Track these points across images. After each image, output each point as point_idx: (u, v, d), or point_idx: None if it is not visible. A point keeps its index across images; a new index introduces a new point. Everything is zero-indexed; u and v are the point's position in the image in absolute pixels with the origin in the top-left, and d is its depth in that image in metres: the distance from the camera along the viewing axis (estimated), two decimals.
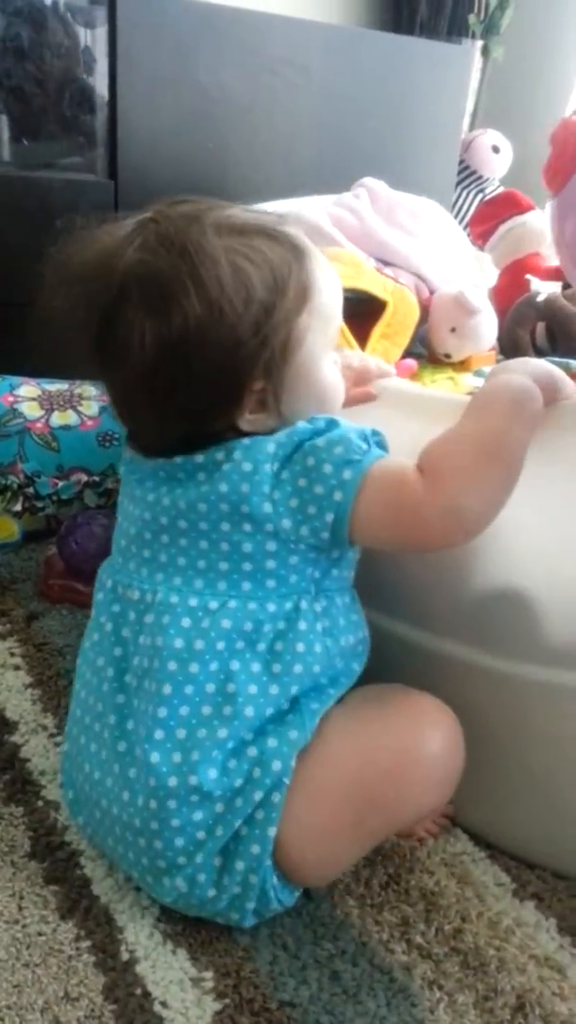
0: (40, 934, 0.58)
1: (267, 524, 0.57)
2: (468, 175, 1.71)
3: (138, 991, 0.55)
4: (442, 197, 1.62)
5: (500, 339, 1.02)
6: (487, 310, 0.97)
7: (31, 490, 1.07)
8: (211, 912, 0.58)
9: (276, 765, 0.56)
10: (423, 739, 0.59)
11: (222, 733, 0.56)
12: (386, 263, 0.98)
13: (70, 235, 0.59)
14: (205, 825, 0.55)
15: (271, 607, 0.58)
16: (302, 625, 0.58)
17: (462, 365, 1.00)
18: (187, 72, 1.24)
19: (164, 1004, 0.55)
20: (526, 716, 0.64)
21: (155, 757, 0.56)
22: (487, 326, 0.97)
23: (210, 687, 0.57)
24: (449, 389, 0.95)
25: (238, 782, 0.55)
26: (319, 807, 0.57)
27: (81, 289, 0.58)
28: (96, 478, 1.10)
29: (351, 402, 0.70)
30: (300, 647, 0.58)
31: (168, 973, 0.57)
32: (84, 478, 1.10)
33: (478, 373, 0.97)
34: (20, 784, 0.71)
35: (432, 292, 0.99)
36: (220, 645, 0.57)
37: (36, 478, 1.08)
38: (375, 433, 0.59)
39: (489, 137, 1.70)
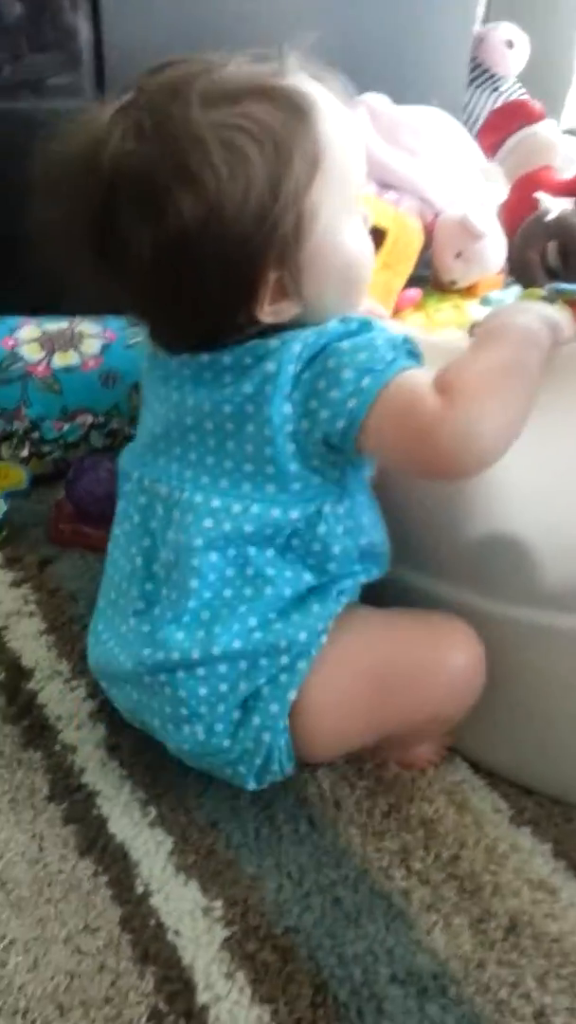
0: (60, 872, 0.62)
1: (287, 425, 0.56)
2: (481, 74, 1.61)
3: (152, 921, 0.59)
4: (453, 99, 1.53)
5: (509, 261, 0.99)
6: (494, 232, 0.94)
7: (36, 435, 1.08)
8: (222, 762, 0.61)
9: (302, 635, 0.58)
10: (450, 651, 0.62)
11: (243, 609, 0.59)
12: (387, 186, 0.94)
13: (58, 128, 0.54)
14: (229, 679, 0.59)
15: (294, 514, 0.58)
16: (322, 528, 0.59)
17: (468, 291, 0.97)
18: None
19: (177, 933, 0.59)
20: (522, 655, 0.66)
21: (180, 635, 0.59)
22: (494, 249, 0.94)
23: (230, 571, 0.59)
24: (454, 318, 0.93)
25: (263, 647, 0.58)
26: (345, 683, 0.60)
27: (70, 192, 0.54)
28: (101, 419, 1.10)
29: None
30: (317, 547, 0.60)
31: (180, 904, 0.60)
32: (89, 419, 1.10)
33: (484, 300, 0.94)
34: (38, 730, 0.74)
35: (437, 215, 0.96)
36: (242, 545, 0.59)
37: (41, 422, 1.08)
38: (407, 341, 0.57)
39: (503, 31, 1.59)
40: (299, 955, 0.57)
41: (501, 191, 1.08)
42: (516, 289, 0.96)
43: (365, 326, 0.56)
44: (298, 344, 0.55)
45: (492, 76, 1.62)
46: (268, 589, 0.59)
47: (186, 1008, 0.54)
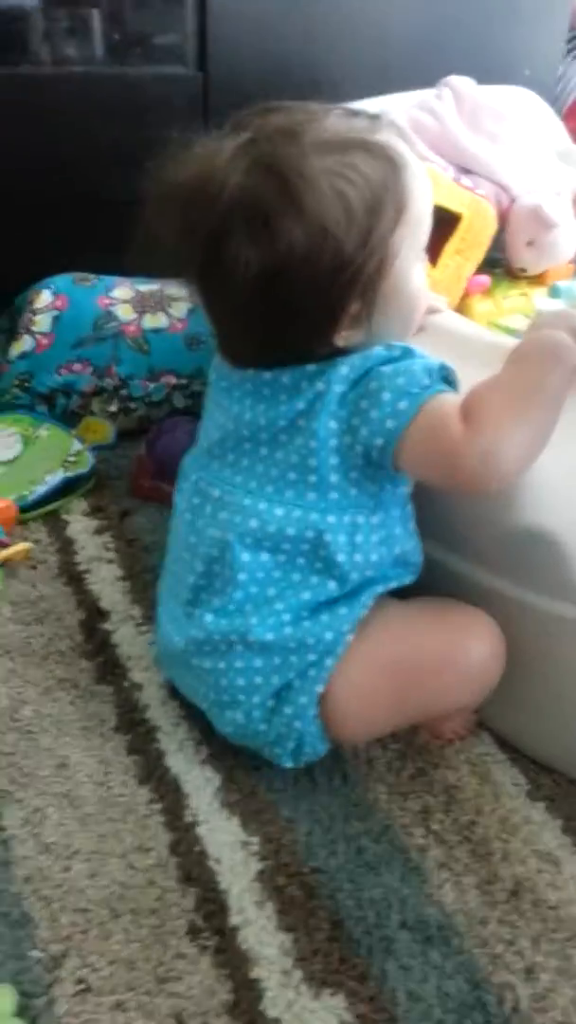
0: (121, 795, 0.71)
1: (331, 440, 0.63)
2: None
3: (197, 848, 0.68)
4: (546, 71, 1.50)
5: None
6: (567, 222, 0.94)
7: (125, 392, 1.16)
8: (261, 743, 0.69)
9: (328, 635, 0.65)
10: (470, 643, 0.68)
11: (279, 606, 0.66)
12: (466, 171, 0.96)
13: (168, 152, 0.60)
14: (263, 672, 0.66)
15: (331, 519, 0.65)
16: (359, 538, 0.65)
17: (538, 279, 0.98)
18: None
19: (217, 861, 0.67)
20: (551, 643, 0.70)
21: (223, 621, 0.66)
22: (566, 239, 0.95)
23: (275, 571, 0.66)
24: (521, 305, 0.95)
25: (291, 644, 0.65)
26: (368, 674, 0.66)
27: (182, 216, 0.60)
28: (184, 380, 1.17)
29: None
30: (358, 557, 0.65)
31: (222, 836, 0.69)
32: (173, 380, 1.17)
33: (553, 290, 0.95)
34: (111, 667, 0.83)
35: (512, 201, 0.97)
36: (286, 546, 0.65)
37: (130, 380, 1.15)
38: (443, 368, 0.63)
39: None
40: (321, 893, 0.65)
41: None
42: None
43: (406, 353, 0.62)
44: (345, 367, 0.62)
45: None
46: (306, 594, 0.65)
47: (219, 927, 0.63)
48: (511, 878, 0.67)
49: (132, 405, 1.16)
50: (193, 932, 0.62)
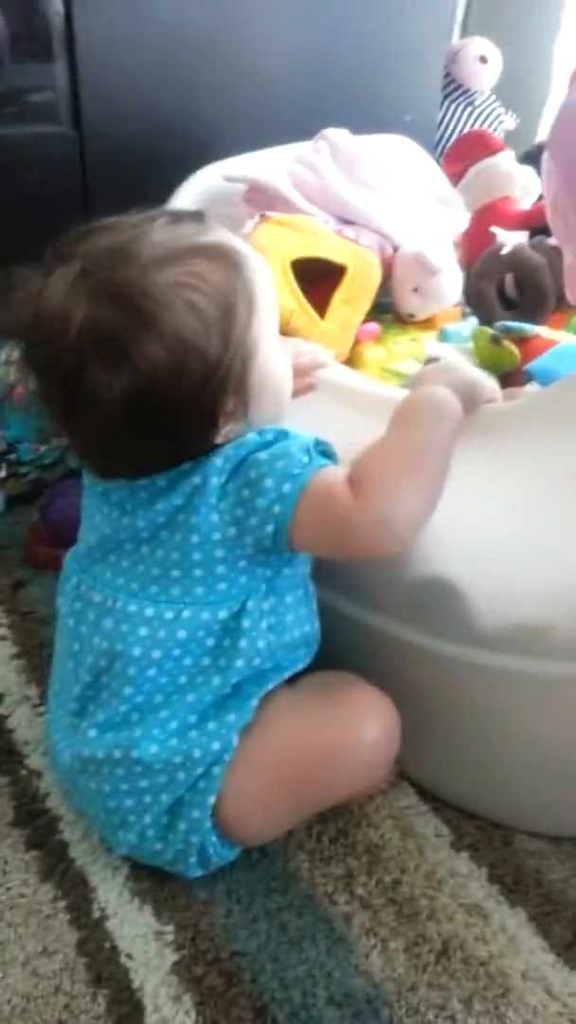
0: (22, 896, 0.66)
1: (214, 533, 0.60)
2: (455, 88, 1.62)
3: (107, 945, 0.63)
4: (427, 114, 1.56)
5: (466, 292, 1.02)
6: (450, 268, 0.96)
7: (13, 456, 1.11)
8: (160, 861, 0.65)
9: (215, 745, 0.62)
10: (360, 727, 0.64)
11: (164, 714, 0.62)
12: (347, 222, 0.97)
13: (6, 289, 0.58)
14: (151, 791, 0.62)
15: (222, 613, 0.62)
16: (246, 623, 0.63)
17: (427, 323, 1.00)
18: (147, 8, 1.19)
19: (129, 956, 0.62)
20: (459, 688, 0.69)
21: (108, 737, 0.63)
22: (450, 284, 0.97)
23: (163, 680, 0.63)
24: (412, 350, 0.96)
25: (177, 759, 0.61)
26: (258, 779, 0.63)
27: (29, 359, 0.58)
28: None
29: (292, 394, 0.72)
30: (243, 643, 0.63)
31: (134, 928, 0.64)
32: (65, 441, 1.13)
33: (442, 333, 0.97)
34: (5, 754, 0.78)
35: (396, 249, 0.98)
36: (176, 651, 0.62)
37: (17, 444, 1.11)
38: (319, 443, 0.62)
39: (476, 47, 1.60)
40: (243, 979, 0.61)
41: (463, 219, 1.10)
42: (473, 321, 0.99)
43: (280, 435, 0.61)
44: (220, 458, 0.60)
45: (466, 91, 1.64)
46: (191, 695, 0.62)
47: None
48: (439, 937, 0.64)
49: (22, 469, 1.12)
50: None
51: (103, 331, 0.54)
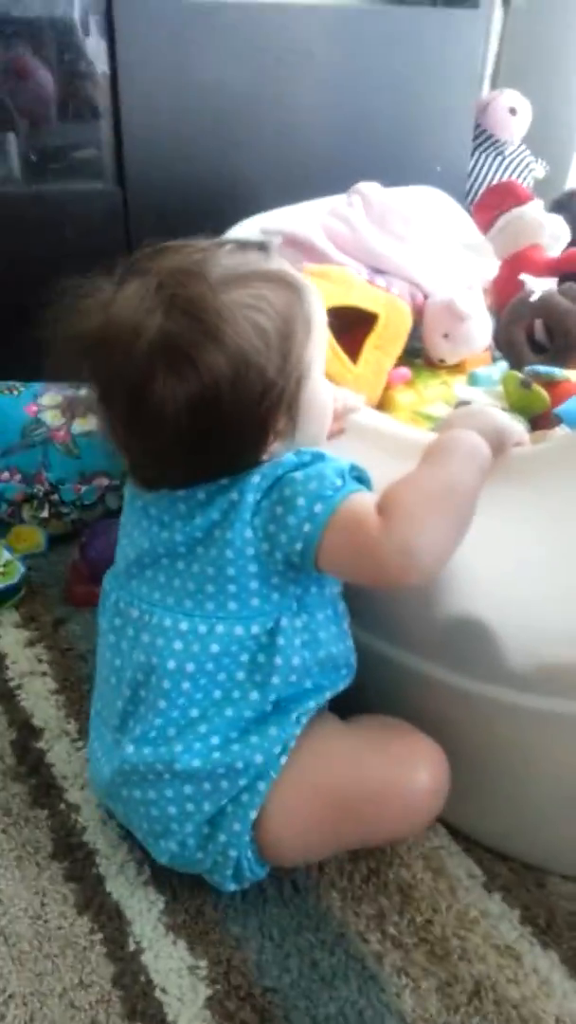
0: (59, 928, 0.68)
1: (248, 548, 0.62)
2: (486, 139, 1.67)
3: (142, 978, 0.64)
4: (457, 166, 1.61)
5: (496, 338, 1.04)
6: (479, 314, 0.99)
7: (56, 497, 1.15)
8: (200, 870, 0.67)
9: (258, 758, 0.63)
10: (413, 774, 0.65)
11: (203, 728, 0.64)
12: (379, 271, 1.00)
13: (68, 296, 0.60)
14: (195, 799, 0.64)
15: (255, 628, 0.64)
16: (281, 640, 0.64)
17: (457, 368, 1.02)
18: (187, 71, 1.25)
19: (164, 990, 0.63)
20: (493, 728, 0.70)
21: (146, 751, 0.64)
22: (479, 330, 0.99)
23: (199, 696, 0.65)
24: (442, 393, 0.98)
25: (220, 770, 0.63)
26: (304, 803, 0.64)
27: (94, 367, 0.61)
28: (116, 482, 1.16)
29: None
30: (278, 660, 0.64)
31: (168, 962, 0.65)
32: (105, 482, 1.17)
33: (471, 377, 0.99)
34: (45, 788, 0.80)
35: (426, 296, 1.01)
36: (209, 666, 0.64)
37: (60, 485, 1.15)
38: (354, 468, 0.64)
39: (506, 99, 1.65)
40: (275, 1015, 0.62)
41: (492, 266, 1.13)
42: (503, 365, 1.01)
43: (316, 457, 0.63)
44: (257, 476, 0.62)
45: (496, 141, 1.68)
46: (229, 710, 0.64)
47: None
48: (471, 978, 0.64)
49: (64, 510, 1.15)
50: None
51: (173, 341, 0.58)
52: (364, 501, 0.61)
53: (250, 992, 0.63)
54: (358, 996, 0.63)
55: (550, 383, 0.87)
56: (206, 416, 0.59)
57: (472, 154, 1.65)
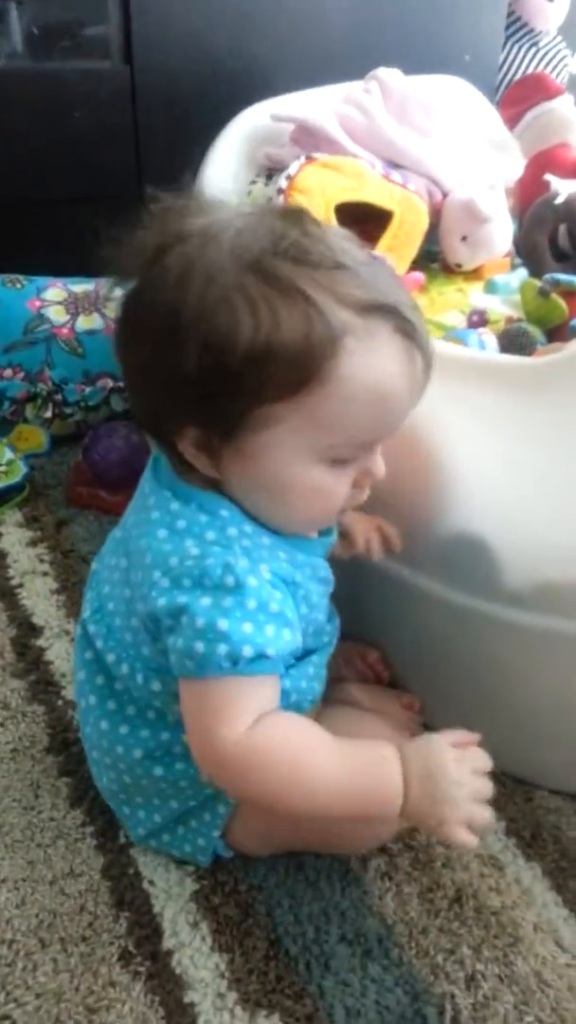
0: (52, 819, 0.69)
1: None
2: (520, 27, 1.55)
3: (131, 871, 0.66)
4: (487, 56, 1.50)
5: (517, 243, 0.99)
6: (500, 216, 0.93)
7: (59, 397, 1.13)
8: (169, 851, 0.66)
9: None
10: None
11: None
12: (396, 165, 0.94)
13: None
14: (160, 795, 0.62)
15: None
16: None
17: (474, 273, 0.97)
18: None
19: (151, 882, 0.65)
20: (487, 645, 0.69)
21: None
22: (500, 233, 0.93)
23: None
24: (457, 301, 0.94)
25: (183, 782, 0.61)
26: (263, 824, 0.63)
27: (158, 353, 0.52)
28: (121, 383, 1.14)
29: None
30: None
31: (157, 856, 0.66)
32: (110, 383, 1.14)
33: (489, 285, 0.94)
34: (43, 685, 0.81)
35: (445, 195, 0.95)
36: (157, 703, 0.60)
37: (64, 385, 1.13)
38: (262, 654, 0.52)
39: None
40: (259, 911, 0.63)
41: (517, 166, 1.06)
42: (522, 272, 0.96)
43: (239, 588, 0.52)
44: (175, 557, 0.53)
45: (531, 31, 1.57)
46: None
47: (152, 951, 0.61)
48: (453, 884, 0.65)
49: (67, 410, 1.13)
50: (125, 958, 0.60)
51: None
52: (243, 694, 0.52)
53: (235, 888, 0.65)
54: (341, 897, 0.65)
55: (570, 292, 0.82)
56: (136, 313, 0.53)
57: (504, 44, 1.54)
